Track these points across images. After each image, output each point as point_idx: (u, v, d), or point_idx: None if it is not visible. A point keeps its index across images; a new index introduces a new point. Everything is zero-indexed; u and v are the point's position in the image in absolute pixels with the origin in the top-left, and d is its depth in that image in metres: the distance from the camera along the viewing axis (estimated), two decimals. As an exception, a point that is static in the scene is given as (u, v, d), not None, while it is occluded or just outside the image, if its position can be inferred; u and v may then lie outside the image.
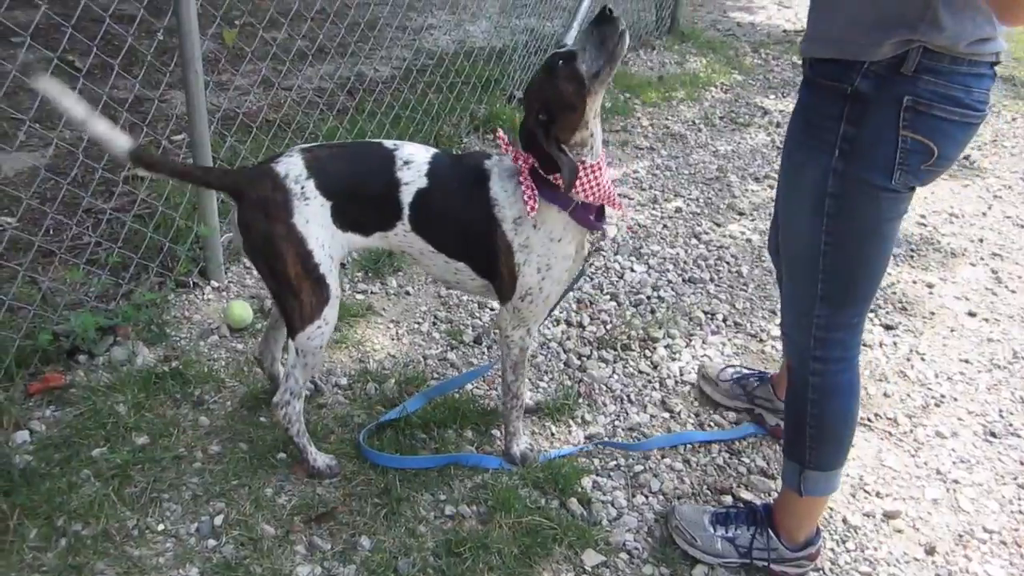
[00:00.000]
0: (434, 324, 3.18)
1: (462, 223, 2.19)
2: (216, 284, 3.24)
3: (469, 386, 2.82)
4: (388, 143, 2.23)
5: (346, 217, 2.15)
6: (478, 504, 2.36)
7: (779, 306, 2.31)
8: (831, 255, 1.89)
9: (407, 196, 2.16)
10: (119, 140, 2.05)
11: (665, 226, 4.06)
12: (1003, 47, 1.68)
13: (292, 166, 2.11)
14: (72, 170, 3.66)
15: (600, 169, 2.09)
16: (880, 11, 1.66)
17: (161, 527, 2.20)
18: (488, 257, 2.20)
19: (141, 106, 4.40)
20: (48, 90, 1.92)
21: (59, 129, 3.60)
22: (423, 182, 2.16)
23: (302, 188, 2.09)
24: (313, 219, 2.09)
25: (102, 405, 2.55)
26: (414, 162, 2.17)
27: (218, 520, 2.23)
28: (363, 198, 2.16)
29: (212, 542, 2.17)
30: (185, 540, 2.18)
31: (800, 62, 2.07)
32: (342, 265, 3.44)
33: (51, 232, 3.35)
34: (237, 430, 2.53)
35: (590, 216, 2.16)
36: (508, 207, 2.14)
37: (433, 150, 2.24)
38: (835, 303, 1.95)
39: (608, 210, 2.33)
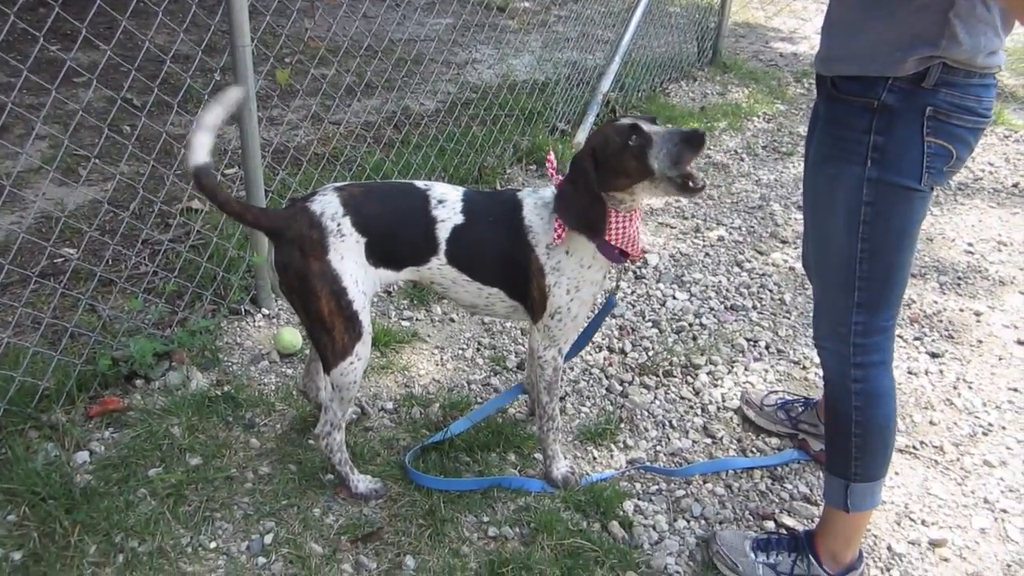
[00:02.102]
0: (478, 350, 3.24)
1: (499, 251, 2.29)
2: (267, 311, 3.34)
3: (511, 410, 2.87)
4: (419, 183, 2.32)
5: (379, 254, 2.23)
6: (521, 526, 2.40)
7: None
8: (867, 261, 1.96)
9: (444, 232, 2.25)
10: (199, 155, 2.09)
11: (707, 254, 4.08)
12: (1004, 59, 1.83)
13: (328, 204, 2.18)
14: (131, 203, 3.82)
15: (628, 220, 2.21)
16: (903, 31, 1.77)
17: (213, 545, 2.28)
18: (521, 280, 2.31)
19: (196, 141, 4.56)
20: (230, 97, 2.12)
21: (120, 164, 3.76)
22: (459, 219, 2.26)
23: (338, 225, 2.16)
24: (348, 256, 2.17)
25: (158, 427, 2.64)
26: (448, 200, 2.27)
27: (268, 539, 2.30)
28: (399, 235, 2.25)
29: (262, 560, 2.24)
30: (236, 558, 2.25)
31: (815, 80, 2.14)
32: (388, 293, 3.52)
33: (111, 262, 3.49)
34: (286, 452, 2.61)
35: (614, 252, 2.26)
36: (543, 233, 2.26)
37: (461, 188, 2.34)
38: (872, 308, 2.01)
39: (647, 239, 2.42)
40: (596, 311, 2.68)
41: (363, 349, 2.26)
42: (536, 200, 2.30)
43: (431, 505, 2.42)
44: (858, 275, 1.98)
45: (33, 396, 2.65)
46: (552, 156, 2.35)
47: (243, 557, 2.25)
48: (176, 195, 3.98)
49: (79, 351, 2.86)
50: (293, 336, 3.08)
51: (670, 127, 2.12)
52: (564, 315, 2.31)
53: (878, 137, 1.85)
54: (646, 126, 2.11)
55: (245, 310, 3.32)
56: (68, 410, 2.69)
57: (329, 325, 2.19)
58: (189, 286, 3.22)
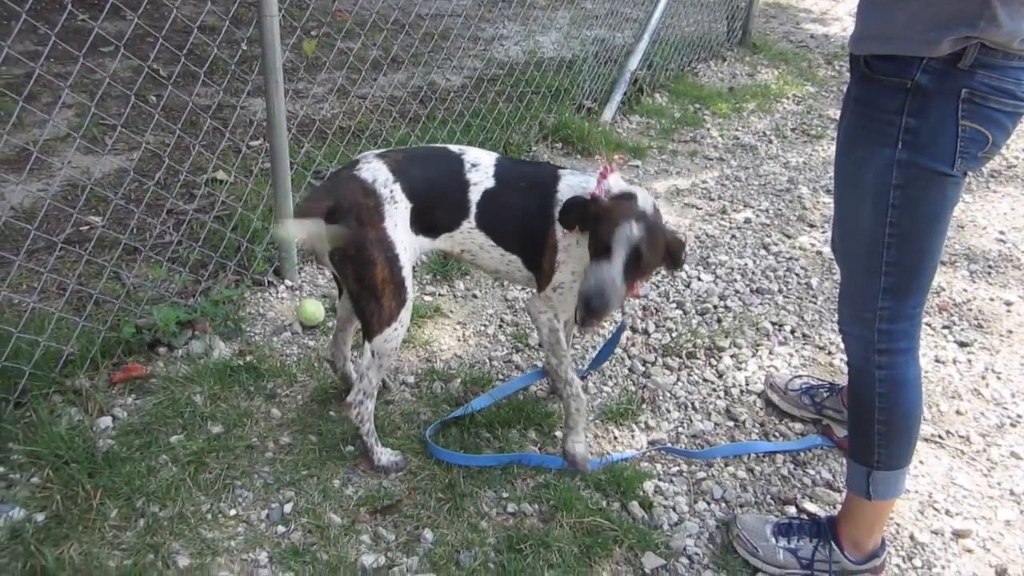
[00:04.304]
0: (500, 327, 3.22)
1: (522, 218, 2.31)
2: (290, 283, 3.34)
3: (533, 388, 2.85)
4: (453, 147, 2.34)
5: (421, 221, 2.24)
6: (540, 503, 2.39)
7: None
8: (896, 247, 1.91)
9: (475, 196, 2.27)
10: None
11: (733, 236, 4.03)
12: None
13: (378, 171, 2.19)
14: (157, 173, 3.83)
15: None
16: (939, 10, 1.71)
17: (233, 512, 2.29)
18: (537, 251, 2.32)
19: (221, 112, 4.56)
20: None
21: (145, 134, 3.76)
22: (491, 183, 2.27)
23: (391, 192, 2.17)
24: (400, 223, 2.19)
25: (180, 395, 2.65)
26: (481, 164, 2.29)
27: (287, 508, 2.31)
28: (439, 200, 2.26)
29: (281, 528, 2.25)
30: (256, 525, 2.26)
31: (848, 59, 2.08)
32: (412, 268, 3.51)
33: (136, 231, 3.50)
34: (307, 423, 2.61)
35: None
36: None
37: (494, 155, 2.35)
38: (899, 294, 1.97)
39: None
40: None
41: (406, 315, 2.28)
42: (575, 181, 2.30)
43: (450, 480, 2.42)
44: (885, 260, 1.94)
45: (57, 361, 2.66)
46: (611, 170, 2.27)
47: (262, 525, 2.26)
48: (201, 165, 3.98)
49: (103, 318, 2.87)
50: (316, 308, 3.08)
51: (613, 277, 2.06)
52: (565, 291, 2.34)
53: (910, 119, 1.80)
54: (620, 248, 2.06)
55: (268, 281, 3.32)
56: (92, 376, 2.71)
57: (379, 292, 2.20)
58: (213, 256, 3.23)
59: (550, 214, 2.27)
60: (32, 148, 3.31)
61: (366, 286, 2.19)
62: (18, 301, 2.94)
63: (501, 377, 2.92)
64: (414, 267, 3.47)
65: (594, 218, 2.14)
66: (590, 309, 2.07)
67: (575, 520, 2.31)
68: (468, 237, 2.32)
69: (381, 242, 2.15)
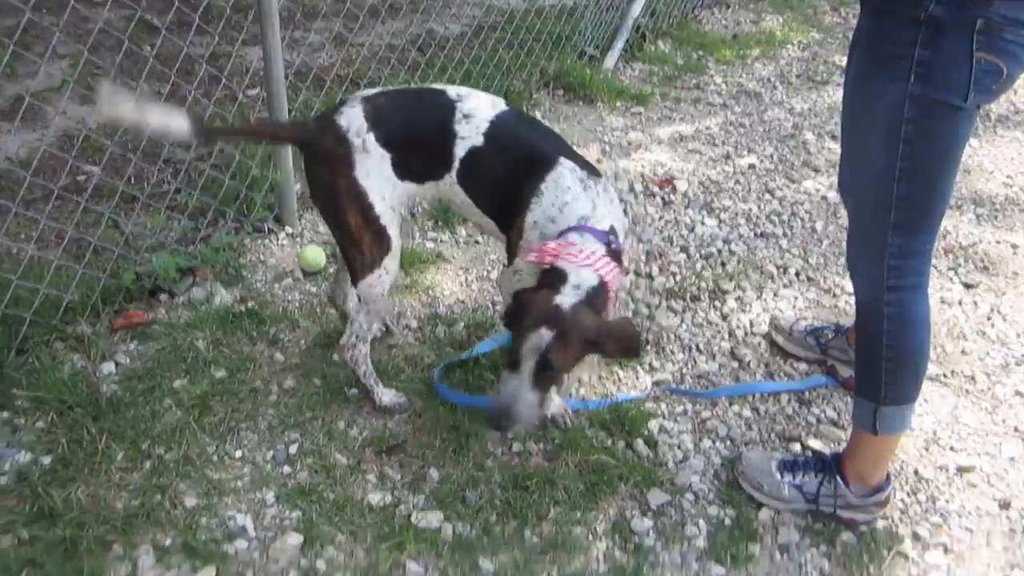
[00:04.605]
0: (503, 272, 3.20)
1: (500, 191, 2.22)
2: (290, 230, 3.32)
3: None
4: (452, 91, 2.23)
5: (404, 167, 2.19)
6: (545, 442, 2.40)
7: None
8: (907, 181, 1.88)
9: (460, 150, 2.18)
10: (177, 122, 2.05)
11: (738, 182, 3.99)
12: None
13: (353, 118, 2.14)
14: (154, 121, 3.77)
15: None
16: None
17: (239, 454, 2.30)
18: (508, 226, 2.26)
19: (217, 61, 4.48)
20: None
21: (139, 81, 3.70)
22: (479, 140, 2.16)
23: (363, 141, 2.12)
24: (374, 172, 2.14)
25: (182, 341, 2.65)
26: (475, 117, 2.17)
27: (293, 449, 2.32)
28: (420, 148, 2.19)
29: (287, 469, 2.26)
30: (262, 466, 2.27)
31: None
32: (412, 214, 3.48)
33: (133, 179, 3.46)
34: (310, 367, 2.61)
35: None
36: (541, 206, 2.15)
37: (501, 107, 2.22)
38: (909, 230, 1.94)
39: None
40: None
41: (391, 263, 2.25)
42: (568, 180, 2.14)
43: (455, 421, 2.42)
44: (896, 195, 1.90)
45: (58, 308, 2.65)
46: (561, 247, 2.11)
47: (268, 466, 2.27)
48: (198, 114, 3.92)
49: (103, 266, 2.85)
50: (316, 255, 3.06)
51: (519, 392, 2.02)
52: (523, 277, 2.26)
53: (923, 51, 1.76)
54: (528, 361, 1.99)
55: (268, 228, 3.30)
56: (93, 323, 2.70)
57: (357, 239, 2.18)
58: (212, 203, 3.20)
59: (527, 200, 2.15)
60: (26, 95, 3.25)
61: (343, 231, 2.19)
62: (17, 250, 2.92)
63: (504, 321, 2.91)
64: (414, 213, 3.47)
65: (514, 312, 2.05)
66: (497, 426, 2.08)
67: (580, 458, 2.31)
68: (450, 190, 2.26)
69: (351, 190, 2.13)
